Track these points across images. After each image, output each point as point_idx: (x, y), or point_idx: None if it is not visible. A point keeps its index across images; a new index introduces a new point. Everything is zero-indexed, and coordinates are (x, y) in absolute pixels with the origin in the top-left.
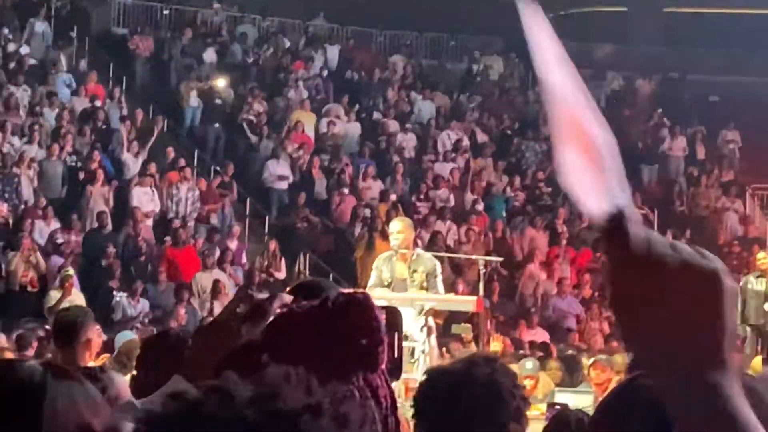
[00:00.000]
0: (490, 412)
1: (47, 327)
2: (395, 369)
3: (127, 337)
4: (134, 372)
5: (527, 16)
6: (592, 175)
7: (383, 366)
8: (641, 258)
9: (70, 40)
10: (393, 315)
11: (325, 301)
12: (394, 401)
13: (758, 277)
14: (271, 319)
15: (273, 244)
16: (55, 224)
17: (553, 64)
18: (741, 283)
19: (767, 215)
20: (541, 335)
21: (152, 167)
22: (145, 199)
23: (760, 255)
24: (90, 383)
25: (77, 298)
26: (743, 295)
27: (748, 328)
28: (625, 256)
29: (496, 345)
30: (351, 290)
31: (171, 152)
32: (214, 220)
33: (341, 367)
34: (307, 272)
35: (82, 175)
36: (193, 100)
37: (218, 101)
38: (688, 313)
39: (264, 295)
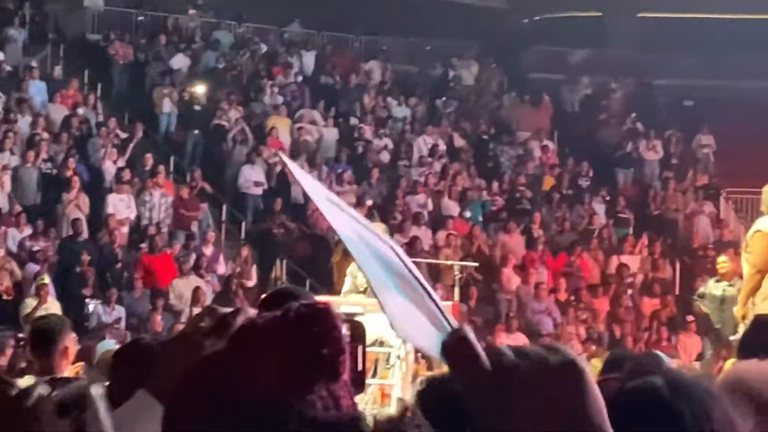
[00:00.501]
0: None
1: (21, 335)
2: (359, 381)
3: (108, 346)
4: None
5: (296, 172)
6: (416, 313)
7: (345, 376)
8: (491, 374)
9: (44, 46)
10: (356, 327)
11: (287, 312)
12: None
13: (717, 281)
14: (234, 330)
15: (245, 251)
16: (28, 231)
17: (337, 214)
18: (702, 289)
19: (741, 219)
20: (518, 339)
21: (128, 174)
22: (121, 206)
23: (721, 259)
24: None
25: (53, 305)
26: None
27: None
28: (475, 376)
29: None
30: (314, 300)
31: (149, 159)
32: (194, 227)
33: (303, 378)
34: (284, 278)
35: (57, 182)
36: (167, 106)
37: (194, 107)
38: (555, 412)
39: (228, 309)
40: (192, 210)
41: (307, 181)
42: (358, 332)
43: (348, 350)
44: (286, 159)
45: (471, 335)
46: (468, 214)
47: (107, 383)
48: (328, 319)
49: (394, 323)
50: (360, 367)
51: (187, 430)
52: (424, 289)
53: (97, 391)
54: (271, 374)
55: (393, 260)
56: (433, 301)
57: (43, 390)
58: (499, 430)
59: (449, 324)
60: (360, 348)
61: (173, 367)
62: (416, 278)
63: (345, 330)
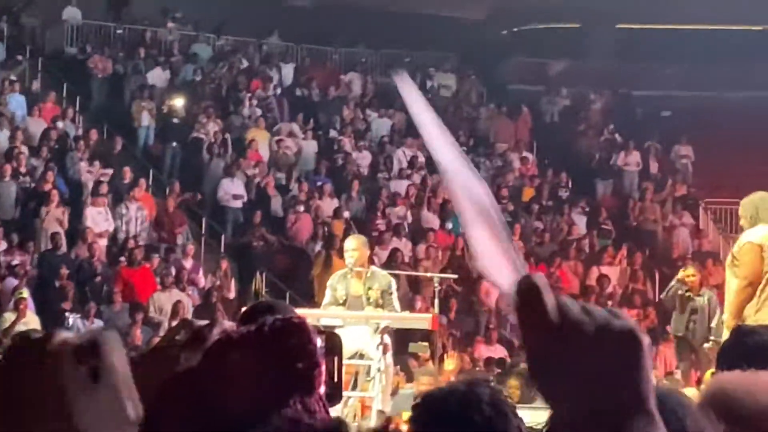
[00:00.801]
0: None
1: None
2: (335, 394)
3: None
4: None
5: (405, 91)
6: (498, 251)
7: (320, 390)
8: (556, 326)
9: (22, 60)
10: (332, 339)
11: (262, 326)
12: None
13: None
14: (209, 345)
15: (224, 264)
16: (4, 245)
17: (440, 141)
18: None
19: (720, 229)
20: (498, 351)
21: (105, 187)
22: (99, 219)
23: (689, 272)
24: None
25: (32, 320)
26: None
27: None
28: (541, 325)
29: (450, 363)
30: (289, 314)
31: (127, 172)
32: (180, 240)
33: (278, 391)
34: (264, 291)
35: (35, 196)
36: (145, 119)
37: (173, 120)
38: (609, 373)
39: (204, 322)
40: (177, 224)
41: (417, 104)
42: (334, 344)
43: (323, 364)
44: (400, 81)
45: (543, 282)
46: (448, 225)
47: None
48: (303, 333)
49: (478, 257)
50: (336, 379)
51: None
52: (506, 230)
53: (113, 336)
54: (246, 388)
55: (483, 198)
56: (512, 245)
57: (64, 335)
58: (553, 381)
59: (522, 270)
60: (336, 360)
61: (148, 380)
62: (500, 219)
63: (321, 342)
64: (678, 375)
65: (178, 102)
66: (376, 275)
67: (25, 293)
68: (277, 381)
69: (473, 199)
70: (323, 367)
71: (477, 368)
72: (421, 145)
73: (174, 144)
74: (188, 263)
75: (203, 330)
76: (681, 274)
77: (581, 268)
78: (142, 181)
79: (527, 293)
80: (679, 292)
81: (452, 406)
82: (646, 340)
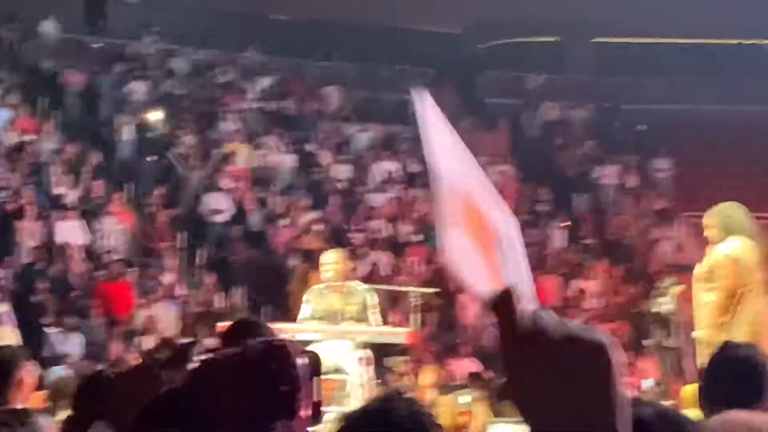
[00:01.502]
0: None
1: None
2: (315, 413)
3: (56, 373)
4: (68, 412)
5: (421, 106)
6: (479, 257)
7: (302, 412)
8: (528, 333)
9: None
10: (313, 360)
11: (245, 349)
12: None
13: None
14: (192, 366)
15: (209, 278)
16: None
17: (444, 152)
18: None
19: (699, 243)
20: (476, 366)
21: (82, 201)
22: (75, 234)
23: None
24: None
25: (7, 334)
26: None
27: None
28: (513, 331)
29: (427, 377)
30: (273, 336)
31: (104, 186)
32: (168, 254)
33: (260, 413)
34: (242, 305)
35: (12, 211)
36: (126, 133)
37: (151, 134)
38: (576, 385)
39: (185, 340)
40: (165, 238)
41: (433, 121)
42: (314, 365)
43: (305, 387)
44: (417, 101)
45: (518, 292)
46: (425, 239)
47: (68, 415)
48: (286, 357)
49: (455, 263)
50: (316, 399)
51: None
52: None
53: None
54: (230, 410)
55: (502, 217)
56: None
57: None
58: (520, 383)
59: (512, 277)
60: (316, 381)
61: (131, 398)
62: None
63: (304, 362)
64: (659, 388)
65: (157, 116)
66: (356, 290)
67: (4, 307)
68: (260, 404)
69: (470, 208)
70: (305, 391)
71: (455, 383)
72: (400, 158)
73: (151, 158)
74: (166, 278)
75: (184, 348)
76: (678, 290)
77: (559, 282)
78: (119, 195)
79: (501, 299)
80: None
81: (370, 426)
82: (617, 356)
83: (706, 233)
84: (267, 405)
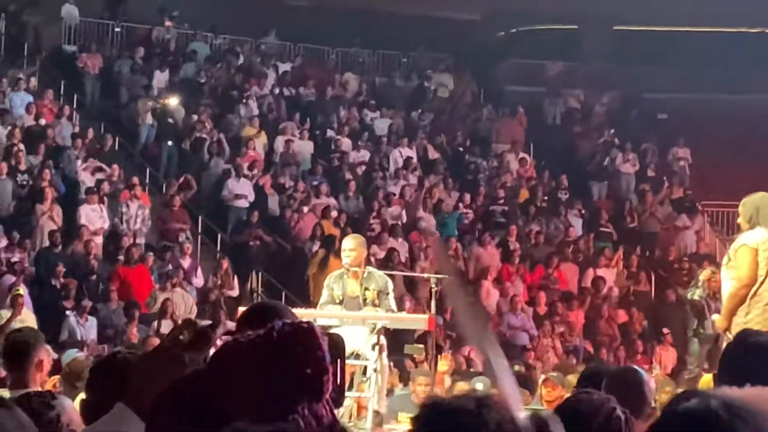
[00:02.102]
0: None
1: None
2: (339, 397)
3: (72, 355)
4: (83, 395)
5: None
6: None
7: (328, 395)
8: None
9: (20, 57)
10: (336, 343)
11: (270, 331)
12: (337, 430)
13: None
14: (216, 349)
15: (225, 263)
16: (4, 242)
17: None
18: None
19: (717, 232)
20: None
21: (104, 185)
22: (94, 217)
23: (709, 272)
24: (21, 410)
25: (28, 317)
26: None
27: (696, 340)
28: None
29: (443, 364)
30: (295, 319)
31: (124, 170)
32: (183, 237)
33: (286, 397)
34: (260, 290)
35: (32, 193)
36: (148, 118)
37: (170, 119)
38: None
39: (207, 322)
40: (180, 222)
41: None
42: (337, 347)
43: (331, 369)
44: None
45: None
46: (443, 226)
47: (84, 397)
48: (312, 339)
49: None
50: (339, 382)
51: None
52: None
53: None
54: (254, 393)
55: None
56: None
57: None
58: None
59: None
60: (339, 362)
61: (152, 380)
62: None
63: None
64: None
65: (176, 101)
66: (373, 276)
67: (22, 290)
68: (286, 387)
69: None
70: (330, 373)
71: (472, 369)
72: (418, 145)
73: (171, 143)
74: (186, 262)
75: (207, 330)
76: (705, 275)
77: (577, 270)
78: (138, 179)
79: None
80: (702, 295)
81: (460, 425)
82: None
83: (739, 220)
84: (293, 387)
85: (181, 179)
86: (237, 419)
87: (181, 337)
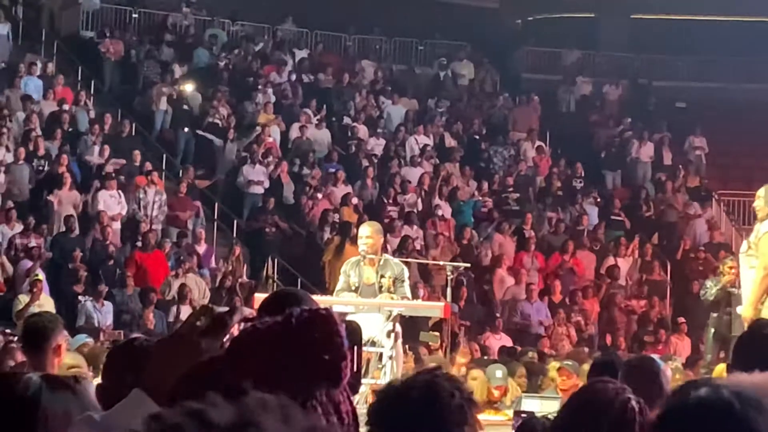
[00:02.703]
0: (431, 416)
1: (8, 330)
2: (356, 383)
3: (81, 340)
4: (98, 380)
5: None
6: None
7: (346, 381)
8: None
9: (38, 43)
10: (353, 330)
11: (289, 318)
12: (356, 416)
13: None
14: (234, 335)
15: (237, 249)
16: (19, 228)
17: None
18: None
19: (733, 221)
20: (505, 340)
21: (119, 171)
22: (111, 203)
23: (730, 263)
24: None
25: (46, 302)
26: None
27: (713, 330)
28: None
29: (460, 351)
30: (315, 306)
31: (138, 155)
32: (190, 224)
33: (305, 383)
34: (276, 277)
35: (49, 179)
36: (164, 104)
37: (187, 106)
38: None
39: (224, 309)
40: (187, 208)
41: None
42: (354, 334)
43: (349, 356)
44: None
45: None
46: (459, 214)
47: (101, 382)
48: (330, 325)
49: None
50: (356, 369)
51: None
52: None
53: None
54: (272, 379)
55: None
56: None
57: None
58: None
59: None
60: (356, 349)
61: (169, 366)
62: None
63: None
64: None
65: (193, 87)
66: (389, 263)
67: (41, 275)
68: (305, 373)
69: None
70: (349, 359)
71: (487, 357)
72: (435, 133)
73: (187, 129)
74: (201, 248)
75: (224, 316)
76: (724, 267)
77: (594, 259)
78: (158, 165)
79: None
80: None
81: (413, 399)
82: None
83: (755, 205)
84: (311, 374)
85: (195, 169)
86: None
87: (197, 323)
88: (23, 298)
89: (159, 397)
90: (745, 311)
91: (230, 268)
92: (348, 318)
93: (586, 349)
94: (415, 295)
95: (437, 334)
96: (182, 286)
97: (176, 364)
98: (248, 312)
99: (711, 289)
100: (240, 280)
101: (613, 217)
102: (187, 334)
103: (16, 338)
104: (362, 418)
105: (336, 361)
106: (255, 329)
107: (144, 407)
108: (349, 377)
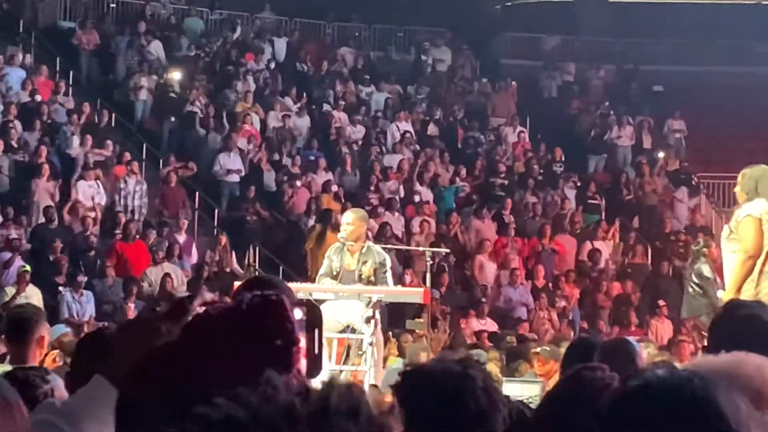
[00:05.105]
0: (487, 419)
1: None
2: (315, 367)
3: (60, 331)
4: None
5: None
6: None
7: (299, 366)
8: None
9: (16, 34)
10: (312, 312)
11: (240, 303)
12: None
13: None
14: (188, 320)
15: (224, 238)
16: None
17: None
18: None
19: (713, 204)
20: (490, 325)
21: (98, 161)
22: (90, 193)
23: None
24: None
25: (33, 293)
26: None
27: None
28: None
29: (440, 337)
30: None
31: (121, 146)
32: (182, 215)
33: (255, 367)
34: (257, 265)
35: (28, 170)
36: (143, 93)
37: (167, 95)
38: None
39: (184, 294)
40: (179, 199)
41: None
42: (314, 316)
43: (301, 340)
44: None
45: None
46: (440, 199)
47: (67, 371)
48: (280, 311)
49: None
50: (316, 352)
51: (140, 416)
52: None
53: None
54: (224, 365)
55: None
56: None
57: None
58: None
59: None
60: (317, 332)
61: (129, 351)
62: None
63: (302, 314)
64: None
65: (172, 76)
66: (372, 251)
67: (28, 267)
68: (254, 358)
69: None
70: (301, 344)
71: (469, 342)
72: (415, 119)
73: (169, 118)
74: (182, 238)
75: (183, 301)
76: (701, 248)
77: (575, 243)
78: (138, 155)
79: None
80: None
81: (448, 388)
82: None
83: (736, 190)
84: (261, 359)
85: (176, 158)
86: (207, 390)
87: (157, 308)
88: (10, 290)
89: (120, 383)
90: (726, 296)
91: (216, 257)
92: (327, 304)
93: (571, 333)
94: (401, 282)
95: (423, 321)
96: (166, 276)
97: (136, 348)
98: (209, 297)
99: (701, 268)
100: (228, 269)
101: (590, 201)
102: (146, 319)
103: None
104: None
105: (287, 347)
106: (207, 314)
107: (105, 393)
108: (308, 361)
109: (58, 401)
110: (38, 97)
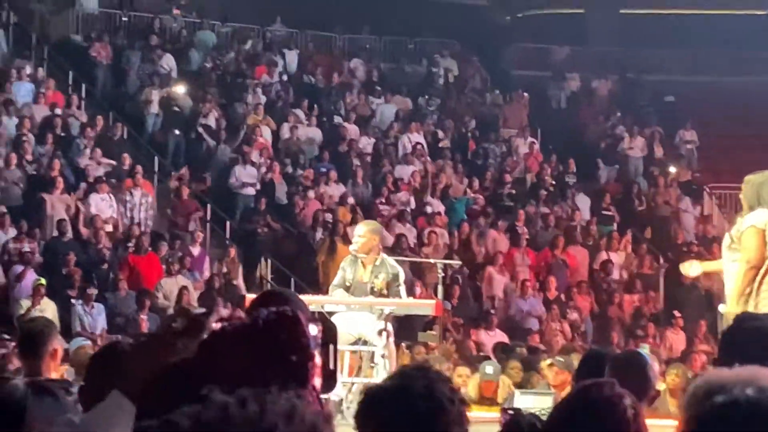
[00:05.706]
0: (431, 422)
1: (5, 335)
2: (330, 381)
3: (79, 343)
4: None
5: None
6: None
7: (314, 381)
8: None
9: (29, 47)
10: (328, 328)
11: (255, 319)
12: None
13: None
14: (204, 337)
15: (233, 251)
16: (13, 233)
17: None
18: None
19: (725, 214)
20: (500, 337)
21: (111, 174)
22: (104, 206)
23: None
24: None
25: (47, 306)
26: None
27: None
28: None
29: (452, 349)
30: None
31: (132, 159)
32: (191, 227)
33: (271, 383)
34: (269, 277)
35: (41, 183)
36: (154, 107)
37: (177, 108)
38: None
39: (200, 310)
40: (192, 211)
41: None
42: (329, 333)
43: (316, 356)
44: None
45: None
46: (452, 211)
47: (81, 384)
48: (296, 327)
49: None
50: (332, 367)
51: None
52: None
53: None
54: (239, 381)
55: None
56: None
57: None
58: None
59: None
60: (332, 348)
61: (145, 367)
62: None
63: (317, 330)
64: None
65: (184, 89)
66: (385, 264)
67: (44, 281)
68: (270, 374)
69: None
70: (317, 359)
71: (481, 353)
72: (426, 130)
73: (179, 131)
74: (196, 250)
75: (200, 318)
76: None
77: (587, 254)
78: (149, 168)
79: None
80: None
81: (386, 404)
82: None
83: (741, 197)
84: (277, 375)
85: (188, 171)
86: None
87: (174, 324)
88: (25, 303)
89: (137, 398)
90: (728, 307)
91: (224, 270)
92: (339, 316)
93: (580, 344)
94: (411, 294)
95: (435, 333)
96: (182, 289)
97: (152, 365)
98: (225, 313)
99: None
100: (235, 282)
101: (604, 212)
102: (162, 336)
103: (13, 344)
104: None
105: (302, 362)
106: (223, 331)
107: (122, 409)
108: (324, 377)
109: (76, 417)
110: (51, 111)
